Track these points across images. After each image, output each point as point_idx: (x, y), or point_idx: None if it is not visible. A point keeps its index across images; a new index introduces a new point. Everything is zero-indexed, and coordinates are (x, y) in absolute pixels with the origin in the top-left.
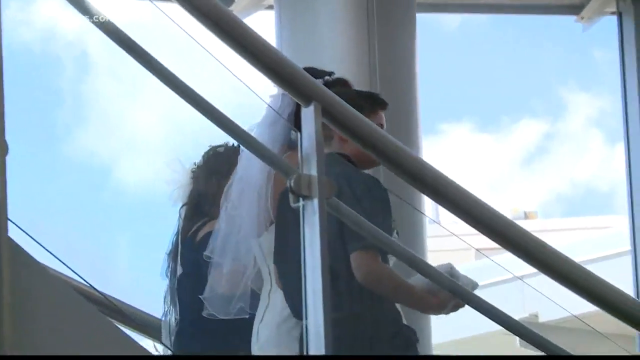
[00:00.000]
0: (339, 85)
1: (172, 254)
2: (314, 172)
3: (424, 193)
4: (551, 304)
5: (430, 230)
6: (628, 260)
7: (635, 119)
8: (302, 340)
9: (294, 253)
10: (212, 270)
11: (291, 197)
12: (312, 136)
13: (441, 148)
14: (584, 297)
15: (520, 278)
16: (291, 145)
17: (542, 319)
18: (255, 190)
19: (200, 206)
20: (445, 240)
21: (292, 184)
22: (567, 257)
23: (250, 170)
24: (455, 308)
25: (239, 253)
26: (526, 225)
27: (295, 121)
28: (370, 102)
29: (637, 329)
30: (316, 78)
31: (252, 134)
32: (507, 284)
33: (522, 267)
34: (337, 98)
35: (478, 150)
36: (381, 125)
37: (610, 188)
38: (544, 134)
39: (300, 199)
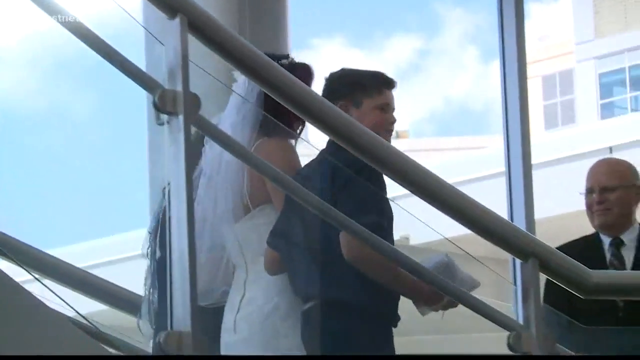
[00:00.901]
0: (300, 70)
1: (153, 234)
2: (179, 87)
3: (289, 107)
4: (422, 226)
5: (299, 149)
6: (502, 182)
7: (512, 35)
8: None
9: (301, 235)
10: None
11: (155, 114)
12: (178, 50)
13: (312, 63)
14: (457, 219)
15: (392, 199)
16: (264, 132)
17: (413, 241)
18: (228, 175)
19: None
20: None
21: (156, 100)
22: (439, 178)
23: (223, 154)
24: (450, 305)
25: (215, 239)
26: (398, 144)
27: (265, 104)
28: (374, 81)
29: (510, 252)
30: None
31: (220, 125)
32: None
33: (393, 188)
34: (205, 11)
35: (349, 66)
36: (388, 105)
37: (485, 107)
38: (418, 50)
39: (165, 116)
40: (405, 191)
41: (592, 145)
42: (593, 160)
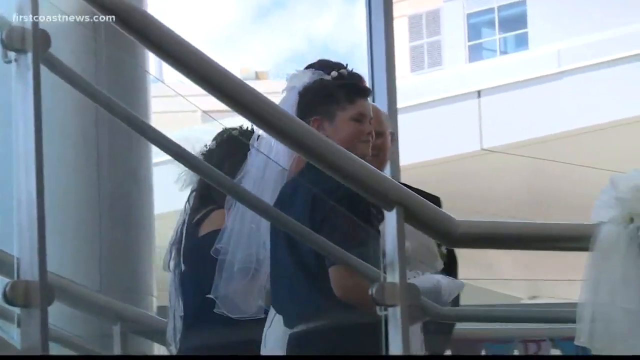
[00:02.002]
0: (355, 79)
1: (177, 246)
2: (28, 24)
3: (147, 48)
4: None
5: (154, 90)
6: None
7: None
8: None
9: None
10: (222, 267)
11: (2, 52)
12: None
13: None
14: (319, 164)
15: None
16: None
17: None
18: (271, 184)
19: (209, 193)
20: (171, 101)
21: (3, 37)
22: (300, 121)
23: (267, 163)
24: None
25: (251, 250)
26: (257, 86)
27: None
28: (345, 92)
29: (374, 200)
30: (329, 70)
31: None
32: None
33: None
34: None
35: (205, 2)
36: (364, 116)
37: (349, 48)
38: None
39: (12, 53)
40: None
41: (459, 89)
42: (461, 105)
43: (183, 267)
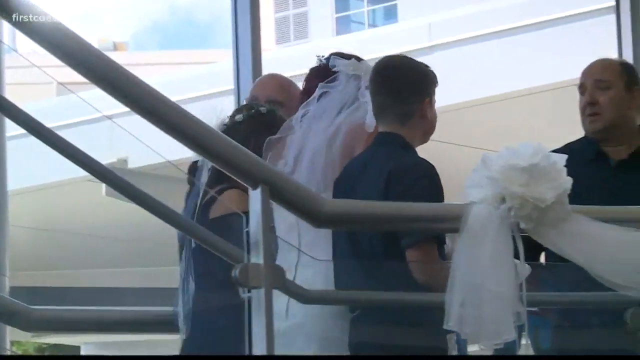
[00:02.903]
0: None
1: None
2: None
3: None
4: (143, 148)
5: (8, 60)
6: (231, 100)
7: None
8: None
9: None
10: None
11: None
12: None
13: None
14: (181, 140)
15: (109, 117)
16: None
17: (132, 164)
18: (313, 160)
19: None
20: (25, 72)
21: None
22: (161, 95)
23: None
24: None
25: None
26: (115, 57)
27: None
28: (433, 76)
29: (238, 178)
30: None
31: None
32: (94, 124)
33: (111, 105)
34: None
35: None
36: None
37: (212, 18)
38: None
39: None
40: (123, 109)
41: None
42: None
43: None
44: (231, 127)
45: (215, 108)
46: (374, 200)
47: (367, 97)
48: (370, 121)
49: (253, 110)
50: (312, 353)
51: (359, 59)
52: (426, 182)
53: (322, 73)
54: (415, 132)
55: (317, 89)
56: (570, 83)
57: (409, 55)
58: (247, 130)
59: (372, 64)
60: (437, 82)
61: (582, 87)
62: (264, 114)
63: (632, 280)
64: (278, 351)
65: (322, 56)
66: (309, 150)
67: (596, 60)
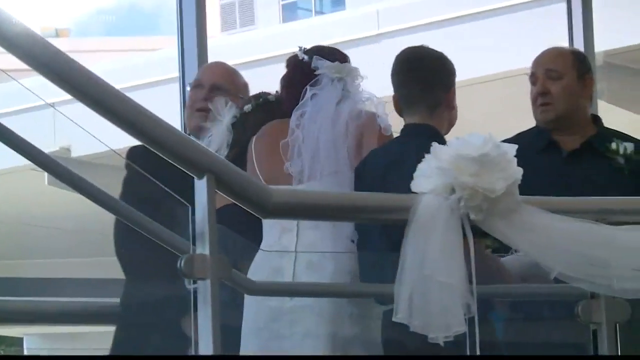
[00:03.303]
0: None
1: None
2: None
3: None
4: (87, 136)
5: None
6: (176, 88)
7: None
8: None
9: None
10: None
11: None
12: None
13: None
14: (125, 129)
15: (52, 105)
16: None
17: (75, 153)
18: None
19: (237, 162)
20: None
21: None
22: (104, 82)
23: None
24: None
25: None
26: (57, 43)
27: None
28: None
29: (183, 168)
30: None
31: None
32: (37, 112)
33: (54, 92)
34: None
35: None
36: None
37: (156, 5)
38: None
39: None
40: (66, 96)
41: (273, 50)
42: (274, 67)
43: None
44: (241, 118)
45: (224, 100)
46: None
47: (366, 95)
48: (386, 125)
49: (261, 100)
50: (324, 332)
51: (341, 54)
52: None
53: (307, 69)
54: (442, 123)
55: (307, 92)
56: (522, 72)
57: (357, 43)
58: (257, 119)
59: (330, 66)
60: (455, 72)
61: (533, 77)
62: (273, 101)
63: (583, 272)
64: (279, 327)
65: (304, 48)
66: (322, 143)
67: (547, 49)
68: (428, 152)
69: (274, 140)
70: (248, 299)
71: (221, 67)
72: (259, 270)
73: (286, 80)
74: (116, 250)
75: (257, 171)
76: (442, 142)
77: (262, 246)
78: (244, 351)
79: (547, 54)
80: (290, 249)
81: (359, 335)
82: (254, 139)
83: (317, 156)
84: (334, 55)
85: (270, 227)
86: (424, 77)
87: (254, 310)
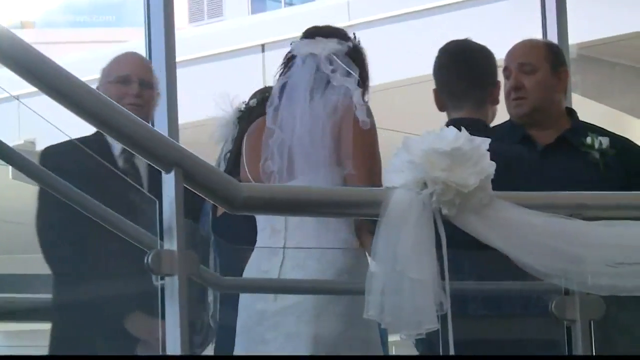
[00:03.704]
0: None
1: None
2: None
3: None
4: (52, 129)
5: None
6: None
7: None
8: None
9: None
10: None
11: None
12: None
13: None
14: (90, 121)
15: (17, 98)
16: None
17: (40, 146)
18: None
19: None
20: None
21: None
22: (68, 73)
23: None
24: None
25: None
26: (23, 35)
27: None
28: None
29: (150, 161)
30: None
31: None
32: (1, 105)
33: (19, 85)
34: None
35: None
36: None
37: None
38: None
39: None
40: (31, 89)
41: (242, 42)
42: (243, 59)
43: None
44: (246, 112)
45: (228, 95)
46: None
47: (342, 81)
48: (364, 119)
49: (267, 94)
50: (305, 333)
51: (340, 33)
52: None
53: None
54: (487, 117)
55: (276, 82)
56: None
57: None
58: (262, 113)
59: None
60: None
61: (506, 71)
62: None
63: (557, 268)
64: (266, 332)
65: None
66: (298, 142)
67: (520, 42)
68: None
69: (260, 137)
70: (241, 301)
71: (145, 60)
72: (250, 272)
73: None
74: (44, 248)
75: (246, 169)
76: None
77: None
78: (235, 353)
79: (520, 47)
80: (279, 250)
81: (345, 333)
82: (245, 135)
83: (295, 155)
84: (331, 33)
85: (262, 229)
86: (474, 71)
87: (245, 312)
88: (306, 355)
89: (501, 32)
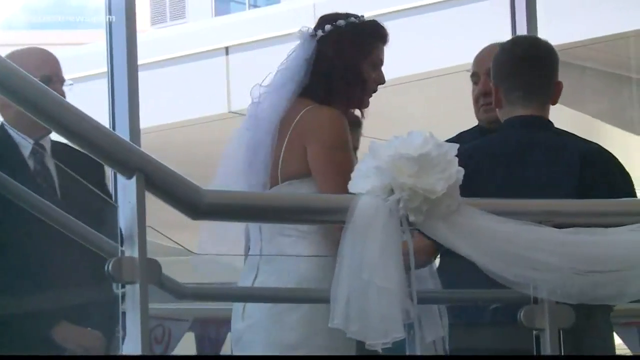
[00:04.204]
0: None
1: None
2: None
3: None
4: None
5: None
6: (104, 84)
7: None
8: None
9: None
10: None
11: None
12: None
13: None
14: (49, 125)
15: None
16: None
17: None
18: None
19: None
20: None
21: None
22: (28, 77)
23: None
24: None
25: None
26: None
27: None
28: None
29: (111, 167)
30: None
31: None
32: None
33: None
34: None
35: None
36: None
37: None
38: None
39: None
40: None
41: (205, 45)
42: (207, 62)
43: None
44: None
45: None
46: (568, 185)
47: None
48: None
49: None
50: (260, 341)
51: (356, 17)
52: (618, 168)
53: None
54: (547, 117)
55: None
56: (462, 68)
57: (292, 39)
58: None
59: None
60: None
61: (475, 76)
62: None
63: (524, 276)
64: (241, 351)
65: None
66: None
67: (489, 47)
68: (575, 145)
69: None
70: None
71: (54, 55)
72: (242, 281)
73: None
74: None
75: None
76: (572, 137)
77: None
78: None
79: (488, 52)
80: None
81: (304, 342)
82: None
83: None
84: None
85: (254, 240)
86: (547, 68)
87: (231, 331)
88: (306, 355)
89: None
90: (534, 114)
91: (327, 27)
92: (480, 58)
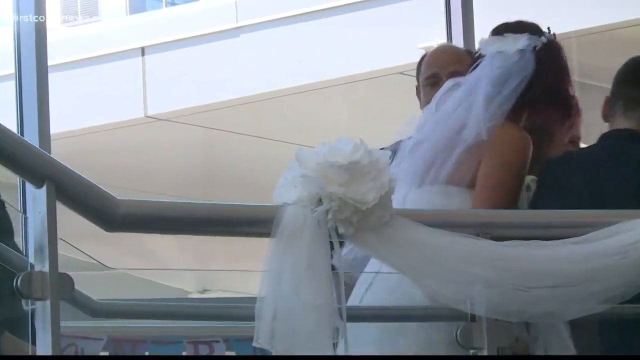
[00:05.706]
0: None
1: None
2: None
3: None
4: None
5: None
6: (11, 86)
7: None
8: None
9: None
10: None
11: None
12: None
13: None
14: None
15: None
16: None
17: None
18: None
19: None
20: None
21: None
22: None
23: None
24: None
25: None
26: None
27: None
28: None
29: (20, 175)
30: (535, 33)
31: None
32: None
33: None
34: None
35: None
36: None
37: None
38: None
39: None
40: None
41: (119, 45)
42: (121, 64)
43: None
44: None
45: None
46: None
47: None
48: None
49: None
50: None
51: (534, 27)
52: None
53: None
54: None
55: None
56: (389, 72)
57: (213, 38)
58: None
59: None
60: None
61: (434, 78)
62: None
63: (461, 292)
64: None
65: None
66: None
67: (445, 49)
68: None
69: None
70: None
71: None
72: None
73: None
74: None
75: None
76: None
77: None
78: None
79: (447, 54)
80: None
81: None
82: None
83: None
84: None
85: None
86: None
87: None
88: (309, 355)
89: (397, 37)
90: (630, 127)
91: None
92: (438, 60)
